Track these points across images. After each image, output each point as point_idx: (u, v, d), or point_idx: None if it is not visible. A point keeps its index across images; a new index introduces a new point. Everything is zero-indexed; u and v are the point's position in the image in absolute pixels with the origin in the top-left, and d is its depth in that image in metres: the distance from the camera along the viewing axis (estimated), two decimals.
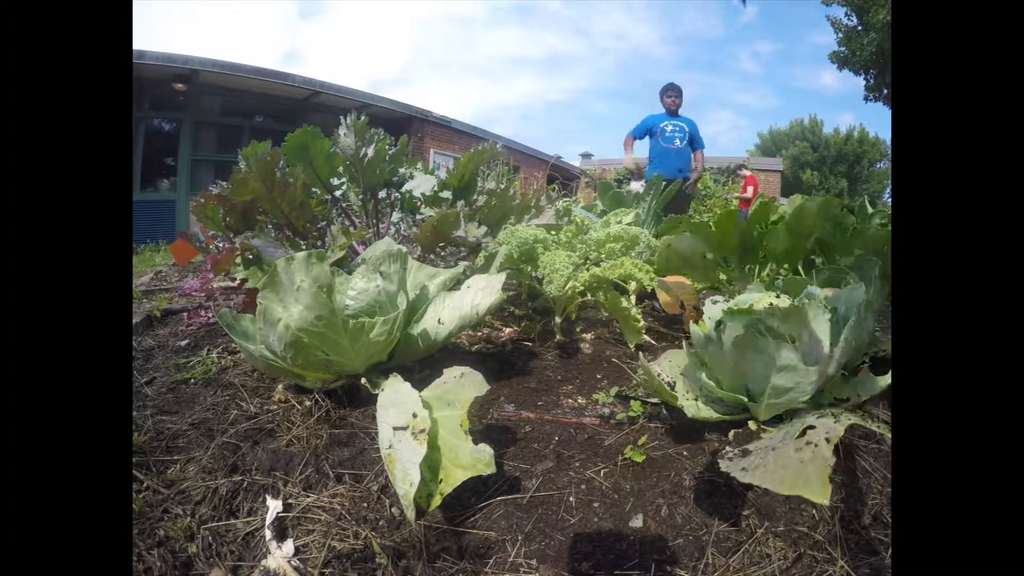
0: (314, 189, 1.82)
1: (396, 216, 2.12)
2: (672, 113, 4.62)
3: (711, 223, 2.03)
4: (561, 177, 10.31)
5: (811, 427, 0.78)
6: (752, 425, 1.05)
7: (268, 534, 0.87)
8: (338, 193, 1.99)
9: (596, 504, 0.93)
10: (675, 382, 1.16)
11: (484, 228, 1.73)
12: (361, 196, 1.93)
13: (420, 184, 2.14)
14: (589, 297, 1.65)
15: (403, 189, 2.10)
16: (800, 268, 1.93)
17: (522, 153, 12.73)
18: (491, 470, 0.83)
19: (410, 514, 0.76)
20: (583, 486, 0.97)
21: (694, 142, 4.66)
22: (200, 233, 1.81)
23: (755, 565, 0.80)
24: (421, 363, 1.39)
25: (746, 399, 1.02)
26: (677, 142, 4.54)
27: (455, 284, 1.38)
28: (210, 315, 1.61)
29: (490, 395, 1.28)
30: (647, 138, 4.63)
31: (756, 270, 1.98)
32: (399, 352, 1.28)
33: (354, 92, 9.20)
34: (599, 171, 12.09)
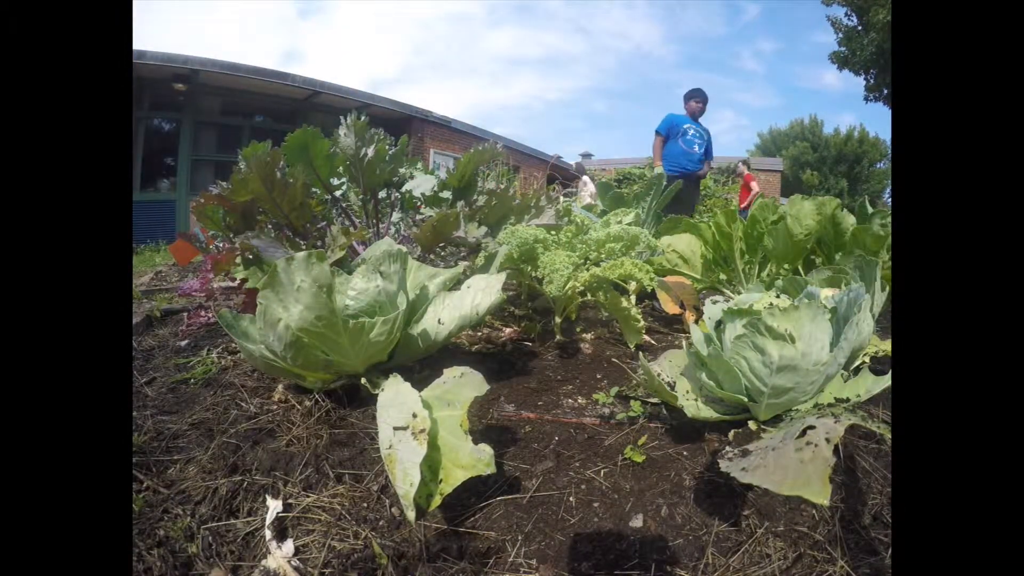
0: (314, 189, 1.82)
1: (396, 216, 2.12)
2: (695, 118, 4.65)
3: (711, 223, 2.03)
4: (561, 177, 10.32)
5: (811, 427, 0.78)
6: (752, 425, 1.05)
7: (268, 534, 0.87)
8: (338, 193, 1.99)
9: (596, 504, 0.93)
10: (675, 382, 1.16)
11: (484, 228, 1.73)
12: (361, 196, 1.93)
13: (420, 184, 2.14)
14: (589, 297, 1.65)
15: (403, 189, 2.10)
16: (800, 268, 1.93)
17: (522, 153, 12.73)
18: (491, 470, 0.83)
19: (410, 514, 0.76)
20: (583, 486, 0.97)
21: (708, 151, 4.73)
22: (200, 233, 1.81)
23: (755, 565, 0.80)
24: (421, 363, 1.39)
25: (746, 399, 1.02)
26: (696, 147, 4.58)
27: (455, 284, 1.38)
28: (210, 315, 1.61)
29: (490, 395, 1.28)
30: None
31: (756, 270, 1.98)
32: (399, 352, 1.28)
33: (354, 92, 9.21)
34: (596, 170, 12.21)
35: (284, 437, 1.12)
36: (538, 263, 1.47)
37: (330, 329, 1.08)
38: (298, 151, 1.74)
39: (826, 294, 1.11)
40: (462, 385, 1.00)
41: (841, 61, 12.02)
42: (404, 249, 1.23)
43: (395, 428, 0.87)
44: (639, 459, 1.02)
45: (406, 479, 0.78)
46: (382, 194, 2.04)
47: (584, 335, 1.71)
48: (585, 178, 8.40)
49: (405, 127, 9.52)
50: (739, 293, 1.76)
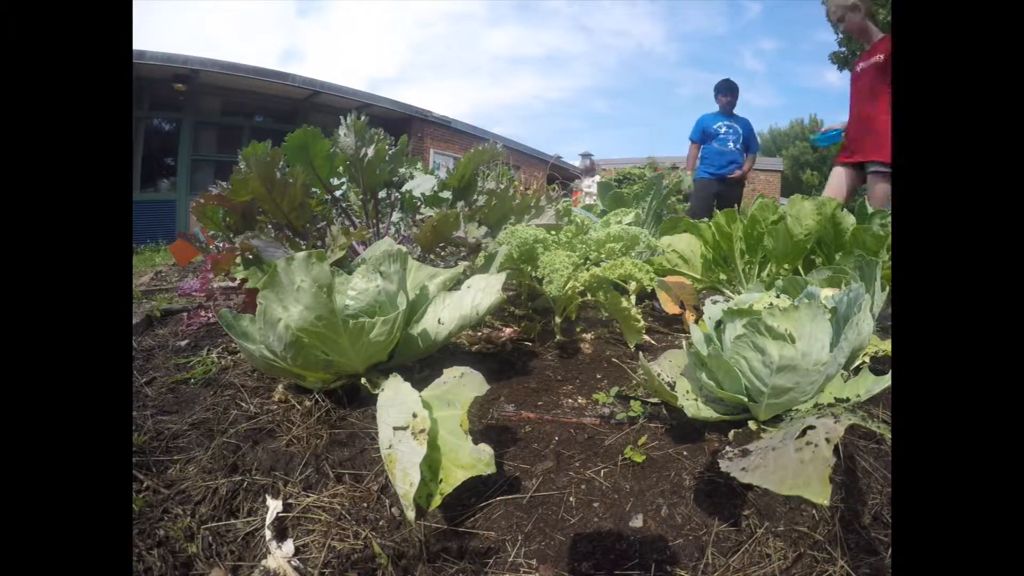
0: (314, 189, 1.82)
1: (396, 216, 2.12)
2: (727, 113, 4.46)
3: (711, 223, 2.03)
4: (561, 177, 10.32)
5: (811, 427, 0.78)
6: (752, 425, 1.05)
7: (268, 534, 0.87)
8: (338, 193, 1.99)
9: (596, 504, 0.93)
10: (675, 382, 1.16)
11: (484, 228, 1.73)
12: (361, 196, 1.93)
13: (420, 184, 2.14)
14: (589, 297, 1.65)
15: (403, 189, 2.10)
16: (800, 268, 1.93)
17: (522, 153, 12.74)
18: (491, 470, 0.83)
19: (410, 514, 0.76)
20: (583, 486, 0.97)
21: (749, 143, 4.50)
22: (200, 233, 1.81)
23: (755, 565, 0.80)
24: (421, 363, 1.39)
25: (746, 399, 1.02)
26: (731, 144, 4.40)
27: (455, 284, 1.38)
28: (210, 315, 1.61)
29: (490, 395, 1.28)
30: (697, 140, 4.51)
31: (756, 270, 1.98)
32: (399, 352, 1.28)
33: (354, 92, 9.22)
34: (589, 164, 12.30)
35: (284, 437, 1.12)
36: (538, 263, 1.47)
37: (330, 329, 1.08)
38: (298, 151, 1.74)
39: (826, 294, 1.11)
40: (462, 385, 1.00)
41: (841, 61, 12.03)
42: (404, 249, 1.23)
43: (395, 428, 0.87)
44: (639, 459, 1.02)
45: (406, 479, 0.79)
46: (382, 194, 2.04)
47: (584, 335, 1.71)
48: (597, 178, 8.31)
49: (405, 127, 9.53)
50: (739, 293, 1.76)
